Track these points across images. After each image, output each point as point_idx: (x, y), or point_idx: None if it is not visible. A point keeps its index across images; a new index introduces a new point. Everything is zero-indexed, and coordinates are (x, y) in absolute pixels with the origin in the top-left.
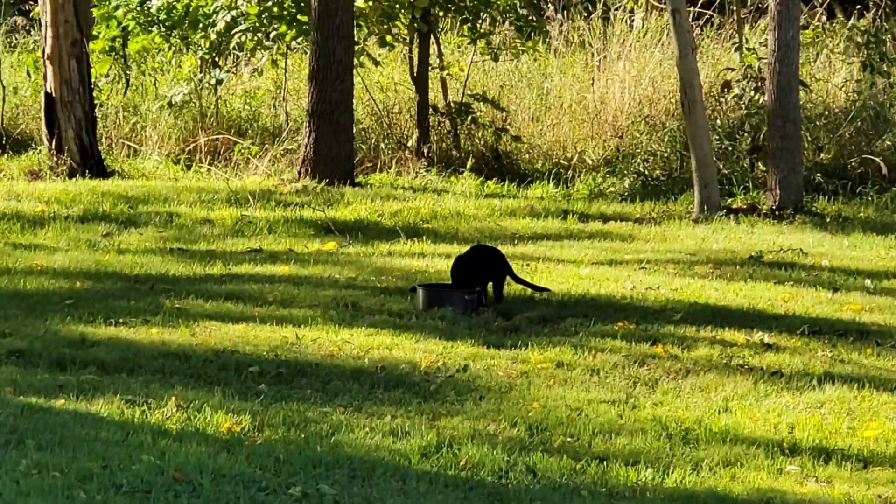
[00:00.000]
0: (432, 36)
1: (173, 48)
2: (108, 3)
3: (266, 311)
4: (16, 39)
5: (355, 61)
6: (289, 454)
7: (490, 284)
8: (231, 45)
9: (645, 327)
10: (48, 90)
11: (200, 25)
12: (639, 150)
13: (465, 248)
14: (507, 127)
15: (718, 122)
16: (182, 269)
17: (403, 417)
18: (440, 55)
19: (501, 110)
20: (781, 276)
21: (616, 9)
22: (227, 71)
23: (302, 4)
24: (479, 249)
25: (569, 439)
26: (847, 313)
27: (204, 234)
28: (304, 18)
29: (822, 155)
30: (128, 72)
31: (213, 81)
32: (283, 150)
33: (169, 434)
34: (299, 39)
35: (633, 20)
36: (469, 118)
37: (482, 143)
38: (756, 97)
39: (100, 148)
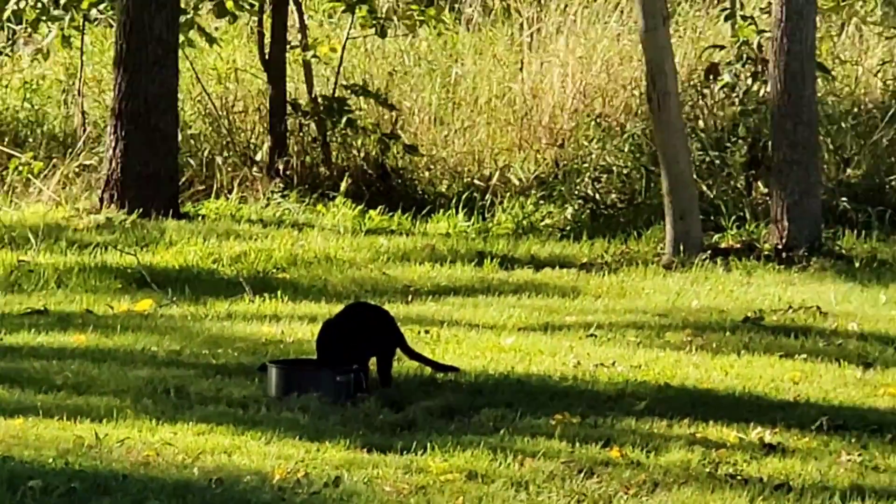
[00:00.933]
0: (291, 1)
1: None
2: None
3: (53, 399)
4: None
5: (181, 38)
6: None
7: (373, 361)
8: (3, 17)
9: (594, 421)
10: None
11: None
12: (587, 166)
13: (337, 309)
14: (399, 132)
15: (701, 123)
16: None
17: None
18: (303, 29)
19: (391, 108)
20: (790, 347)
21: None
22: None
23: None
24: (357, 310)
25: None
26: (883, 399)
27: None
28: None
29: (849, 171)
30: None
31: None
32: (78, 168)
33: None
34: (103, 6)
35: None
36: (344, 119)
37: (362, 155)
38: (755, 87)
39: None
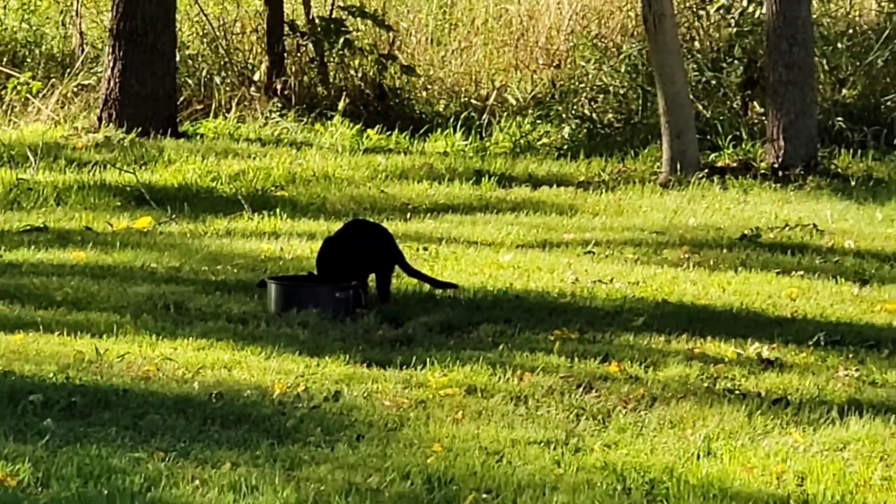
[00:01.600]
0: None
1: None
2: None
3: (53, 315)
4: None
5: None
6: None
7: (372, 277)
8: None
9: (592, 336)
10: None
11: None
12: (583, 86)
13: (336, 226)
14: (396, 53)
15: (697, 44)
16: None
17: (249, 466)
18: None
19: (388, 29)
20: (787, 264)
21: None
22: None
23: None
24: (356, 227)
25: (484, 496)
26: (880, 316)
27: None
28: None
29: (844, 91)
30: None
31: None
32: (76, 87)
33: None
34: None
35: None
36: (342, 40)
37: (360, 75)
38: (751, 9)
39: None
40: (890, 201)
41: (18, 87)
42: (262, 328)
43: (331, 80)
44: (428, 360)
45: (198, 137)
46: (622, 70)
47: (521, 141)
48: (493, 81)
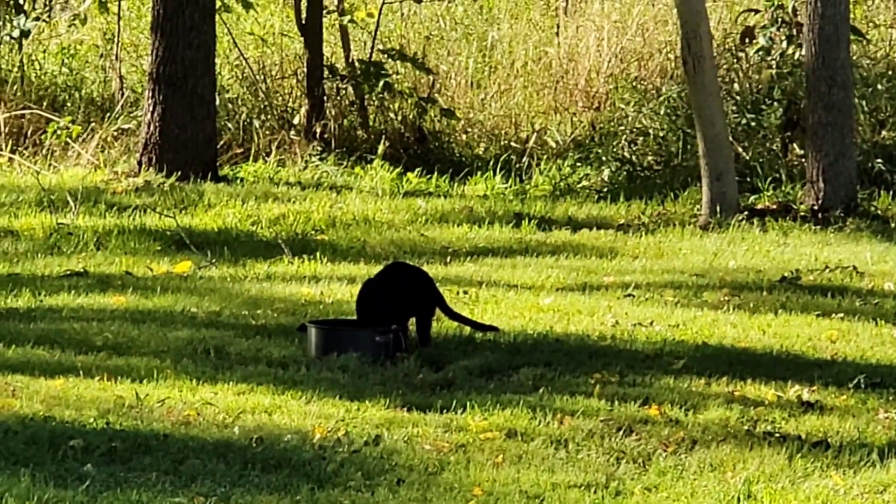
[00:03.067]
0: None
1: None
2: None
3: (94, 359)
4: None
5: (218, 3)
6: None
7: (412, 321)
8: None
9: (632, 380)
10: None
11: None
12: (623, 128)
13: (376, 269)
14: (436, 96)
15: (737, 86)
16: None
17: None
18: None
19: (428, 72)
20: (827, 306)
21: None
22: (37, 18)
23: None
24: (396, 271)
25: None
26: None
27: (4, 250)
28: None
29: (883, 133)
30: None
31: (15, 33)
32: (116, 132)
33: None
34: None
35: None
36: (381, 83)
37: (400, 118)
38: (790, 51)
39: None
40: None
41: (58, 132)
42: (302, 372)
43: (370, 123)
44: (468, 403)
45: (238, 181)
46: (661, 112)
47: (561, 184)
48: (533, 124)
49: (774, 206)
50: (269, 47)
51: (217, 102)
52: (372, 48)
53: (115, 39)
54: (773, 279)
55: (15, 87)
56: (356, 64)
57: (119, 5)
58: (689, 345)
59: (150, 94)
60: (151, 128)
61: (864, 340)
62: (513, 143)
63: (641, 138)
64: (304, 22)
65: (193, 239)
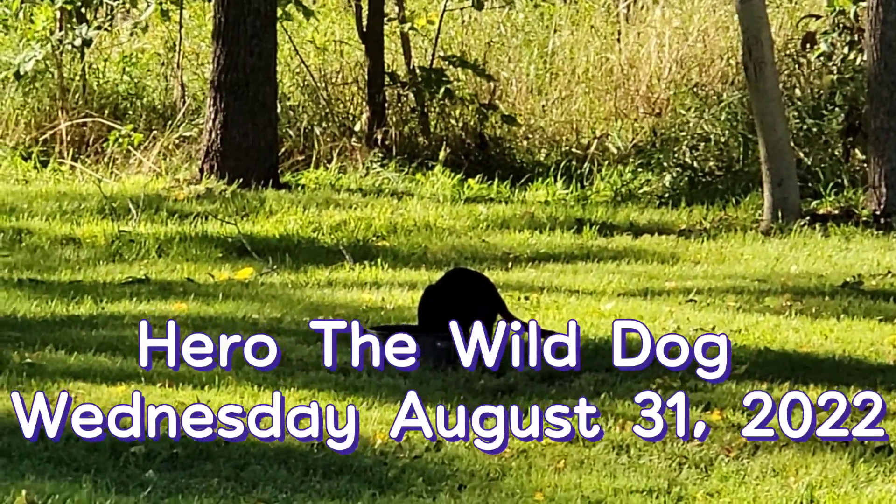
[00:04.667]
0: None
1: None
2: None
3: (155, 366)
4: None
5: (279, 11)
6: None
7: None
8: None
9: (694, 385)
10: None
11: None
12: (684, 134)
13: (438, 275)
14: (497, 102)
15: (798, 92)
16: (36, 308)
17: None
18: (400, 2)
19: (488, 79)
20: (889, 311)
21: None
22: (98, 27)
23: None
24: (457, 277)
25: None
26: None
27: (66, 258)
28: None
29: None
30: None
31: (77, 42)
32: (177, 139)
33: None
34: None
35: None
36: (442, 90)
37: (461, 125)
38: (852, 56)
39: None
40: None
41: (120, 140)
42: (363, 378)
43: (431, 129)
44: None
45: (299, 188)
46: (723, 118)
47: (623, 189)
48: (594, 130)
49: (836, 211)
50: (330, 55)
51: (278, 110)
52: (433, 55)
53: (177, 47)
54: (836, 284)
55: (77, 96)
56: (417, 71)
57: (180, 14)
58: (751, 350)
59: (212, 102)
60: (213, 135)
61: None
62: (574, 149)
63: (703, 144)
64: (364, 30)
65: (255, 246)
